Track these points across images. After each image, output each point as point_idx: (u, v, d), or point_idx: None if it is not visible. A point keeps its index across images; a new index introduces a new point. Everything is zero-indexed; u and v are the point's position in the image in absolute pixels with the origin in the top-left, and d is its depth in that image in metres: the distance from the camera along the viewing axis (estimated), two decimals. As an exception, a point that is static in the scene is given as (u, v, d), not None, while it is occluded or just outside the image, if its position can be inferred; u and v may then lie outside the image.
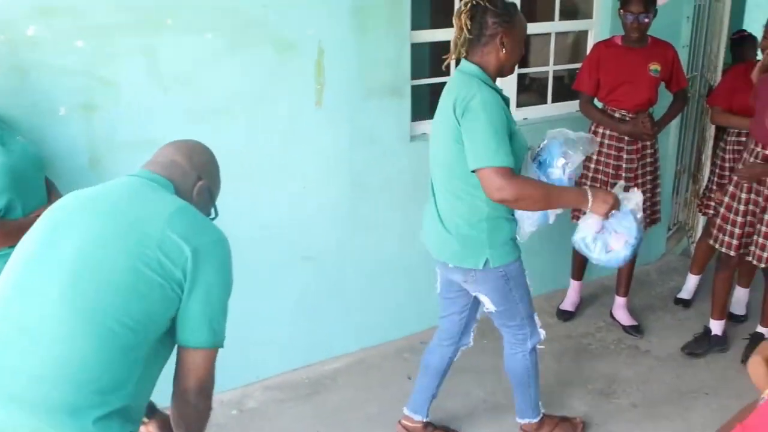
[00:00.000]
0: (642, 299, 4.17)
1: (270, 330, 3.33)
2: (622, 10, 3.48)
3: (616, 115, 3.60)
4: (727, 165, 3.77)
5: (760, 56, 3.62)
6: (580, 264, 3.96)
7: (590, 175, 3.67)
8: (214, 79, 2.93)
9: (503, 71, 2.42)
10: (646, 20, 3.45)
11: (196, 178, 1.74)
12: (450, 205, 2.47)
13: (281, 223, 3.26)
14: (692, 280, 4.10)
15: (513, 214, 2.49)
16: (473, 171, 2.28)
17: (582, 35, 4.13)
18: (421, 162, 3.31)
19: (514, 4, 2.43)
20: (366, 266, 3.54)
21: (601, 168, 3.66)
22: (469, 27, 2.34)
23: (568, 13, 4.02)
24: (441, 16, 3.63)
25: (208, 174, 1.78)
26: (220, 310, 1.59)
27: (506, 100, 2.41)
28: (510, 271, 2.51)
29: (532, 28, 3.86)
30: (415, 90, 3.51)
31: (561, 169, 2.42)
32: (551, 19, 3.91)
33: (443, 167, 2.46)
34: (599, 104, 3.68)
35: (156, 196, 1.62)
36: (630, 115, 3.57)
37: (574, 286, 4.04)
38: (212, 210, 1.79)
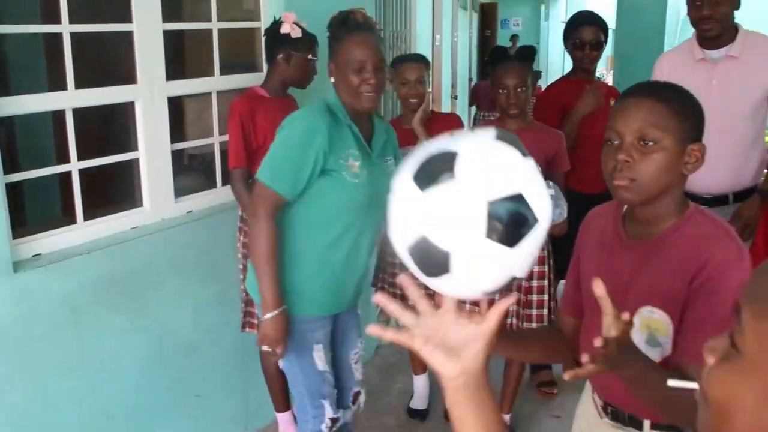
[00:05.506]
0: (368, 417, 3.28)
1: None
2: None
3: None
4: None
5: None
6: (283, 388, 2.97)
7: None
8: None
9: None
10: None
11: None
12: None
13: None
14: (421, 383, 3.36)
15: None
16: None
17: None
18: (43, 304, 2.27)
19: None
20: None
21: None
22: None
23: (229, 67, 3.02)
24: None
25: None
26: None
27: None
28: None
29: (183, 87, 2.81)
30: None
31: None
32: (210, 74, 2.90)
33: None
34: None
35: None
36: None
37: (284, 421, 3.03)
38: None
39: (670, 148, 1.36)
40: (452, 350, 0.89)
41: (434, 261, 0.85)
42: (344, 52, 2.10)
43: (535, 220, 0.85)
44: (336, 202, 2.13)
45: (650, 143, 1.35)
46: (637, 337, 1.44)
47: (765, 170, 2.83)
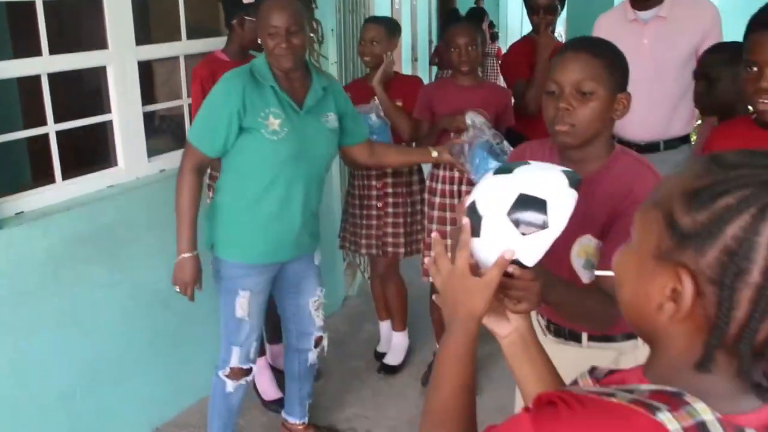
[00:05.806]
0: (338, 362, 3.50)
1: None
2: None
3: None
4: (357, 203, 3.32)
5: None
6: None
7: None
8: None
9: None
10: None
11: None
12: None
13: None
14: (386, 328, 3.58)
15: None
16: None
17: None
18: (27, 260, 2.42)
19: None
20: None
21: None
22: None
23: (196, 32, 3.15)
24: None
25: None
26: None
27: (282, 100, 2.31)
28: None
29: (151, 52, 2.94)
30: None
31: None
32: (177, 38, 3.02)
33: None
34: None
35: None
36: None
37: (259, 366, 3.21)
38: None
39: (603, 97, 1.55)
40: (499, 312, 1.13)
41: (475, 222, 1.12)
42: (262, 18, 2.27)
43: (547, 225, 1.10)
44: (257, 158, 2.29)
45: (587, 93, 1.54)
46: (576, 262, 1.66)
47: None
